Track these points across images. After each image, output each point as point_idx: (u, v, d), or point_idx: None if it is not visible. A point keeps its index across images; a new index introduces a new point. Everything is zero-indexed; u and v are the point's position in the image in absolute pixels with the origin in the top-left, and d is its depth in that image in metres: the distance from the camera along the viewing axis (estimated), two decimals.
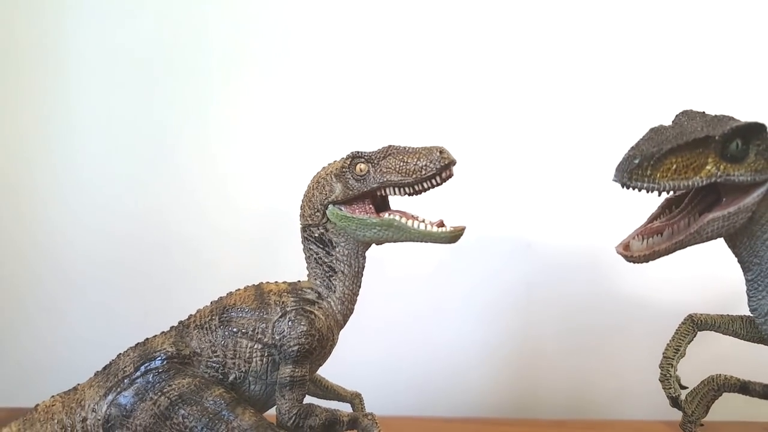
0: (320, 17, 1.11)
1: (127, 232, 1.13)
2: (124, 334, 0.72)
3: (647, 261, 0.59)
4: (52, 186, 1.13)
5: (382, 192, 0.67)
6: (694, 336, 0.76)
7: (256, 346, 0.65)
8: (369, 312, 0.84)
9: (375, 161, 0.66)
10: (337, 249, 0.68)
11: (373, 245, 0.70)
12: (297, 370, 0.64)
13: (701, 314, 0.76)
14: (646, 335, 1.05)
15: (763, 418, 0.93)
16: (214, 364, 0.65)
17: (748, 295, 0.67)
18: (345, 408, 0.72)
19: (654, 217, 0.63)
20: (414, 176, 0.64)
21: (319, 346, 0.66)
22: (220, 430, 0.60)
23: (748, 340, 0.74)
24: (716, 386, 0.76)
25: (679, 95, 1.05)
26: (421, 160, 0.64)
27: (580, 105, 1.08)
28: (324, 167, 0.70)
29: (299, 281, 0.70)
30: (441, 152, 0.64)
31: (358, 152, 0.67)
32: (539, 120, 1.09)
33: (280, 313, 0.66)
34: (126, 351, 0.67)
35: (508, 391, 1.12)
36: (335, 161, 0.69)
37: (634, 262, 0.59)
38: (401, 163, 0.65)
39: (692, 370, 0.79)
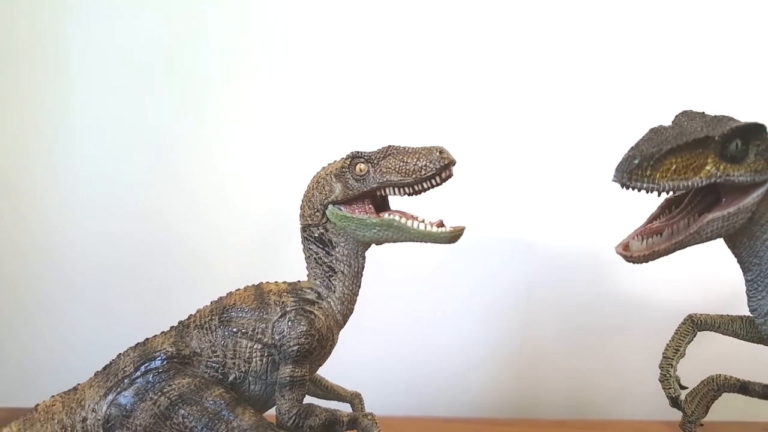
0: (320, 18, 1.11)
1: (126, 232, 1.13)
2: (123, 334, 0.72)
3: (647, 261, 0.59)
4: (51, 186, 1.13)
5: (382, 192, 0.67)
6: (694, 336, 0.76)
7: (255, 346, 0.65)
8: (369, 312, 0.84)
9: (375, 161, 0.66)
10: (336, 249, 0.68)
11: (373, 245, 0.70)
12: (297, 370, 0.64)
13: (701, 314, 0.76)
14: (646, 335, 1.05)
15: (763, 419, 0.93)
16: (214, 364, 0.65)
17: (747, 295, 0.67)
18: (345, 408, 0.72)
19: (653, 218, 0.63)
20: (414, 176, 0.64)
21: (319, 346, 0.66)
22: (220, 430, 0.60)
23: (747, 341, 0.74)
24: (716, 386, 0.76)
25: (679, 95, 1.05)
26: (421, 160, 0.64)
27: (580, 105, 1.08)
28: (324, 167, 0.70)
29: (299, 281, 0.70)
30: (441, 152, 0.64)
31: (357, 152, 0.67)
32: (539, 120, 1.09)
33: (279, 313, 0.66)
34: (126, 351, 0.67)
35: (508, 391, 1.12)
36: (335, 161, 0.70)
37: (633, 263, 0.59)
38: (401, 163, 0.65)
39: (692, 371, 0.79)
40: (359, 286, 0.70)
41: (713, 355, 0.92)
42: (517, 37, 1.09)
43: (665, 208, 0.63)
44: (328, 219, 0.68)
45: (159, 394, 0.62)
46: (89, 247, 1.13)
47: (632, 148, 0.57)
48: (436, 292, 1.11)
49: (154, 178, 1.13)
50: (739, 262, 0.65)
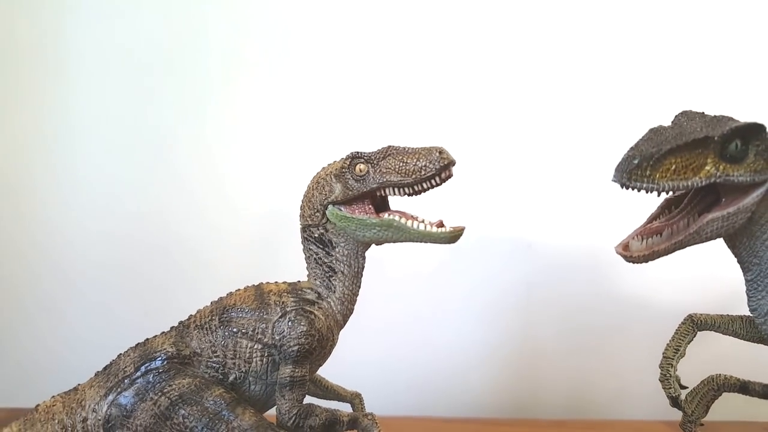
0: (319, 18, 1.11)
1: (126, 232, 1.13)
2: (123, 334, 0.72)
3: (647, 261, 0.59)
4: (51, 186, 1.13)
5: (382, 192, 0.67)
6: (694, 336, 0.76)
7: (256, 346, 0.65)
8: (369, 312, 0.84)
9: (374, 162, 0.66)
10: (336, 249, 0.68)
11: (373, 245, 0.70)
12: (297, 370, 0.64)
13: (701, 314, 0.76)
14: (646, 335, 1.05)
15: (763, 418, 0.93)
16: (214, 365, 0.65)
17: (747, 295, 0.67)
18: (345, 408, 0.72)
19: (653, 218, 0.63)
20: (413, 176, 0.65)
21: (319, 346, 0.66)
22: (220, 430, 0.61)
23: (747, 340, 0.74)
24: (716, 386, 0.76)
25: (679, 95, 1.05)
26: (421, 160, 0.64)
27: (580, 105, 1.08)
28: (324, 168, 0.70)
29: (299, 281, 0.70)
30: (440, 152, 0.64)
31: (357, 152, 0.67)
32: (539, 120, 1.09)
33: (280, 314, 0.66)
34: (126, 351, 0.67)
35: (508, 391, 1.12)
36: (335, 162, 0.70)
37: (633, 263, 0.59)
38: (401, 164, 0.65)
39: (692, 370, 0.79)
40: (359, 286, 0.70)
41: (713, 355, 0.92)
42: (517, 38, 1.09)
43: (665, 208, 0.63)
44: (328, 219, 0.68)
45: (159, 394, 0.62)
46: (89, 247, 1.13)
47: (632, 148, 0.57)
48: (436, 292, 1.11)
49: (154, 179, 1.13)
50: (738, 261, 0.65)
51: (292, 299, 0.67)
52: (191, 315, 0.69)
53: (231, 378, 0.65)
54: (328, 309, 0.68)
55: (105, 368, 0.67)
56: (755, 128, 0.58)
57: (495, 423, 0.99)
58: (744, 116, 0.60)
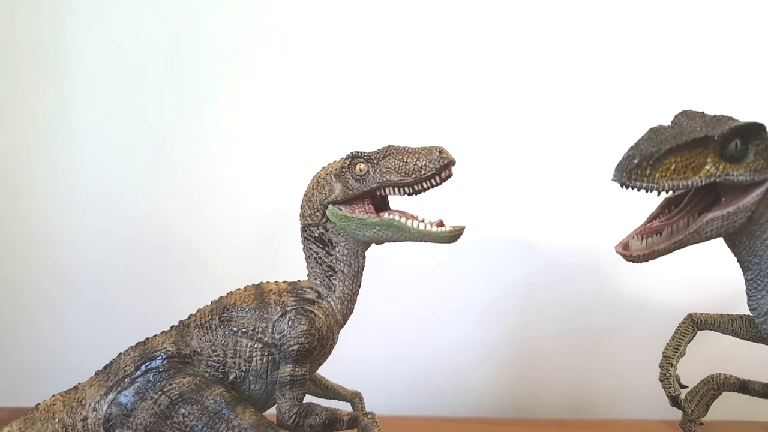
0: (319, 18, 1.11)
1: (126, 232, 1.13)
2: (123, 334, 0.72)
3: (646, 260, 0.59)
4: (52, 186, 1.14)
5: (382, 192, 0.67)
6: (694, 335, 0.76)
7: (256, 346, 0.65)
8: (369, 312, 0.84)
9: (374, 161, 0.66)
10: (336, 249, 0.68)
11: (373, 245, 0.70)
12: (297, 369, 0.64)
13: (701, 314, 0.76)
14: (646, 335, 1.05)
15: (763, 418, 0.93)
16: (214, 364, 0.65)
17: (747, 294, 0.67)
18: (345, 407, 0.72)
19: (653, 217, 0.63)
20: (413, 176, 0.65)
21: (319, 345, 0.66)
22: (220, 429, 0.61)
23: (747, 340, 0.74)
24: (716, 385, 0.76)
25: (679, 95, 1.05)
26: (421, 160, 0.64)
27: (580, 105, 1.08)
28: (324, 167, 0.70)
29: (299, 281, 0.70)
30: (440, 152, 0.64)
31: (357, 152, 0.67)
32: (539, 120, 1.09)
33: (280, 313, 0.66)
34: (126, 350, 0.67)
35: (508, 391, 1.12)
36: (335, 161, 0.70)
37: (633, 262, 0.59)
38: (401, 163, 0.65)
39: (692, 370, 0.79)
40: (359, 286, 0.70)
41: (713, 354, 0.92)
42: (517, 38, 1.09)
43: (665, 208, 0.63)
44: (328, 219, 0.68)
45: (159, 393, 0.62)
46: (89, 247, 1.13)
47: (632, 147, 0.57)
48: (436, 292, 1.11)
49: (154, 179, 1.13)
50: (738, 261, 0.65)
51: (292, 298, 0.67)
52: (191, 314, 0.69)
53: (231, 377, 0.65)
54: (328, 308, 0.68)
55: (105, 367, 0.67)
56: (755, 128, 0.58)
57: (495, 423, 0.99)
58: (744, 116, 0.60)
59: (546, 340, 1.11)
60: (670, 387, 0.74)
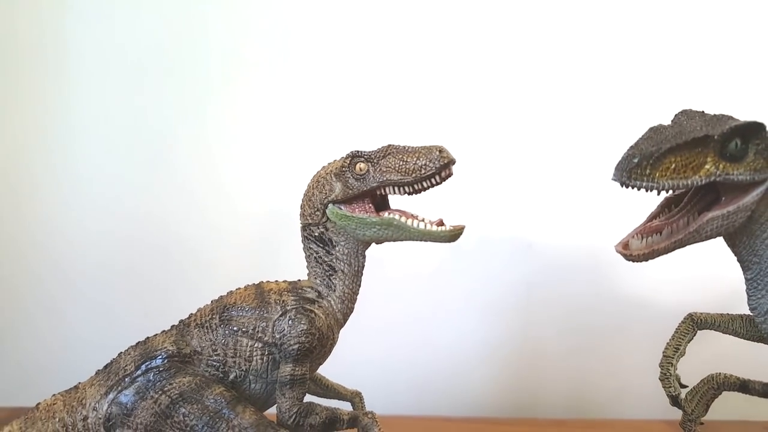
0: (319, 18, 1.11)
1: (127, 232, 1.13)
2: (123, 334, 0.72)
3: (646, 260, 0.59)
4: (52, 186, 1.14)
5: (382, 191, 0.67)
6: (694, 335, 0.76)
7: (256, 345, 0.65)
8: (369, 311, 0.84)
9: (374, 160, 0.66)
10: (337, 248, 0.68)
11: (373, 244, 0.70)
12: (297, 368, 0.64)
13: (701, 313, 0.76)
14: (646, 335, 1.05)
15: (763, 417, 0.93)
16: (214, 363, 0.65)
17: (747, 294, 0.67)
18: (345, 407, 0.72)
19: (653, 216, 0.63)
20: (413, 175, 0.65)
21: (320, 344, 0.66)
22: (220, 428, 0.61)
23: (747, 339, 0.74)
24: (716, 385, 0.76)
25: (679, 95, 1.05)
26: (421, 159, 0.64)
27: (580, 105, 1.09)
28: (324, 167, 0.70)
29: (299, 280, 0.70)
30: (440, 151, 0.64)
31: (357, 151, 0.67)
32: (539, 120, 1.09)
33: (280, 312, 0.66)
34: (127, 350, 0.67)
35: (508, 391, 1.12)
36: (335, 160, 0.70)
37: (633, 261, 0.59)
38: (401, 163, 0.65)
39: (692, 369, 0.79)
40: (359, 285, 0.70)
41: (713, 354, 0.92)
42: (517, 38, 1.09)
43: (665, 207, 0.63)
44: (328, 218, 0.68)
45: (160, 392, 0.62)
46: (89, 247, 1.13)
47: (632, 147, 0.57)
48: (436, 292, 1.11)
49: (154, 179, 1.13)
50: (738, 260, 0.65)
51: (292, 298, 0.67)
52: (192, 314, 0.69)
53: (231, 376, 0.65)
54: (329, 308, 0.68)
55: (106, 367, 0.67)
56: (755, 127, 0.58)
57: (495, 422, 0.99)
58: (744, 115, 0.60)
59: (546, 340, 1.11)
60: (671, 386, 0.74)
